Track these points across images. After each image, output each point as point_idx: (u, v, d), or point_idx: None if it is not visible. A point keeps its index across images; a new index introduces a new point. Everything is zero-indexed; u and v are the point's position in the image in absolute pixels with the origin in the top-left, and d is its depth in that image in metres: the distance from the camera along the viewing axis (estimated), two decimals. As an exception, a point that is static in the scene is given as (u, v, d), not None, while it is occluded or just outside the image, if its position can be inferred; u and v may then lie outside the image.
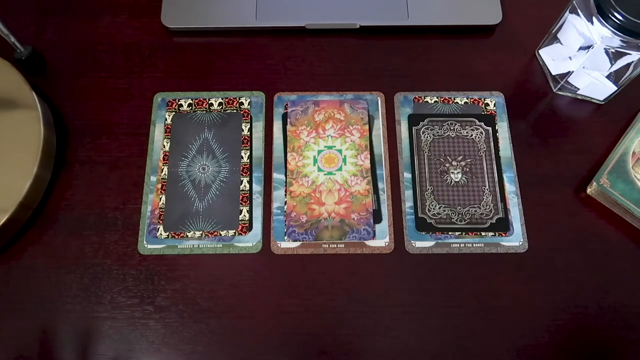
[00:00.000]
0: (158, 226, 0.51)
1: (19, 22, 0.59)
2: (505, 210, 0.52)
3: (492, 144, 0.54)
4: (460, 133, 0.55)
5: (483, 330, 0.48)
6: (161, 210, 0.51)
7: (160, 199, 0.52)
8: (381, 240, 0.51)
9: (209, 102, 0.56)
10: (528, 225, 0.51)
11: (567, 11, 0.52)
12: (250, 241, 0.51)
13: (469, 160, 0.54)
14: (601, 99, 0.56)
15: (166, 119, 0.55)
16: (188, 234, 0.51)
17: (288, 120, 0.55)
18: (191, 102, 0.56)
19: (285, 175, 0.53)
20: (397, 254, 0.50)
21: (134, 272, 0.49)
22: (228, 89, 0.57)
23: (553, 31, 0.55)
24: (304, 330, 0.48)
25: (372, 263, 0.50)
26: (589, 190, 0.52)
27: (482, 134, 0.55)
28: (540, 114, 0.56)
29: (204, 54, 0.58)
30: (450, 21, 0.59)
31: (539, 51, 0.58)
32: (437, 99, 0.56)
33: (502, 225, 0.51)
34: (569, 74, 0.54)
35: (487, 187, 0.53)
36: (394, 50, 0.59)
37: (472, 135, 0.55)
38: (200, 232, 0.51)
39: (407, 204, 0.52)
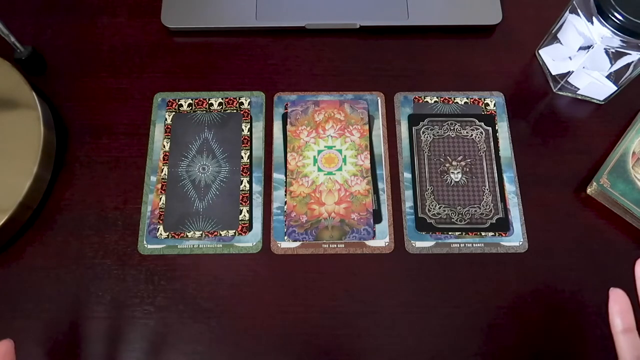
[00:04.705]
0: (158, 226, 0.51)
1: (19, 22, 0.59)
2: (505, 210, 0.52)
3: (492, 144, 0.54)
4: (460, 133, 0.55)
5: (483, 330, 0.48)
6: (161, 210, 0.51)
7: (160, 199, 0.52)
8: (381, 240, 0.51)
9: (209, 102, 0.56)
10: (528, 225, 0.51)
11: (567, 11, 0.52)
12: (250, 241, 0.51)
13: (469, 160, 0.54)
14: (601, 99, 0.56)
15: (166, 119, 0.55)
16: (188, 234, 0.51)
17: (288, 120, 0.55)
18: (191, 102, 0.56)
19: (285, 175, 0.53)
20: (397, 254, 0.50)
21: (134, 272, 0.49)
22: (228, 89, 0.57)
23: (553, 31, 0.55)
24: (304, 330, 0.48)
25: (372, 263, 0.50)
26: (589, 190, 0.52)
27: (482, 134, 0.55)
28: (540, 114, 0.56)
29: (204, 54, 0.58)
30: (450, 21, 0.59)
31: (539, 51, 0.58)
32: (437, 99, 0.56)
33: (502, 225, 0.51)
34: (569, 74, 0.54)
35: (487, 187, 0.53)
36: (394, 50, 0.59)
37: (472, 135, 0.55)
38: (200, 232, 0.51)
39: (407, 204, 0.52)
